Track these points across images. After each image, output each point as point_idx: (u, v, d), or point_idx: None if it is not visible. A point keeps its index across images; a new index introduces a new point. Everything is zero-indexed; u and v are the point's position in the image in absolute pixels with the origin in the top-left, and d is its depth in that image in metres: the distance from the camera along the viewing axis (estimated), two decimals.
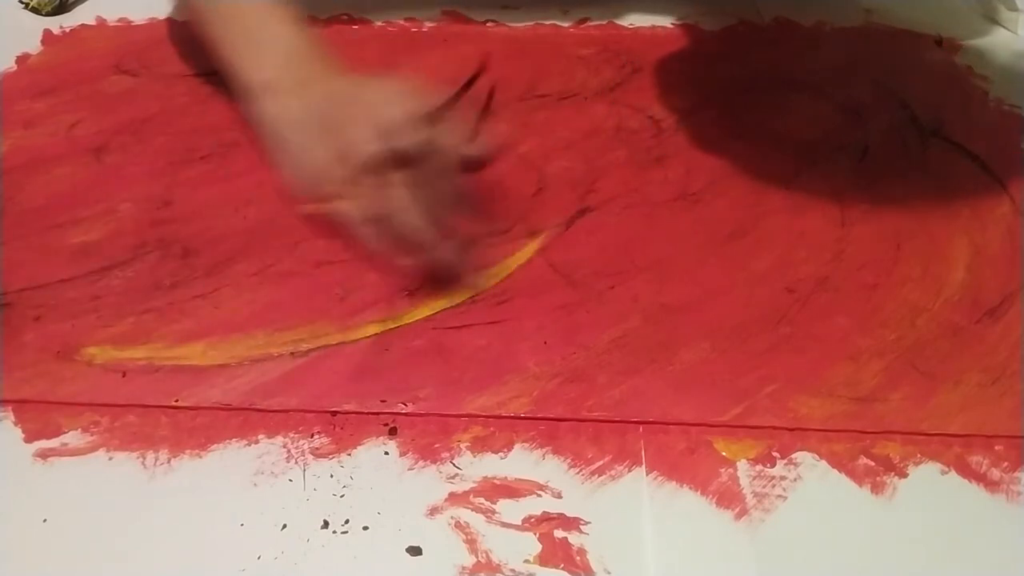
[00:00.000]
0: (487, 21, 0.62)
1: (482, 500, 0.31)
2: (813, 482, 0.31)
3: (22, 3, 0.62)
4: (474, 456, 0.32)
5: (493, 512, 0.30)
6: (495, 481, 0.31)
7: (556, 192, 0.45)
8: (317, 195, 0.40)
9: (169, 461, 0.32)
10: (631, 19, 0.62)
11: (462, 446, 0.32)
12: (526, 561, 0.29)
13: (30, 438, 0.33)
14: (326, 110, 0.40)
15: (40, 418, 0.33)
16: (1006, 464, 0.32)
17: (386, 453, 0.32)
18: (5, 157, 0.48)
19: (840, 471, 0.32)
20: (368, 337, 0.36)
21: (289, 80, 0.42)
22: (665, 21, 0.62)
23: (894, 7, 0.64)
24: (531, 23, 0.61)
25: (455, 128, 0.38)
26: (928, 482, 0.31)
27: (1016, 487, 0.31)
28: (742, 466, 0.32)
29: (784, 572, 0.29)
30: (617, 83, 0.55)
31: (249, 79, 0.43)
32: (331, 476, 0.31)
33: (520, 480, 0.31)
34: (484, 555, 0.29)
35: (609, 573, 0.28)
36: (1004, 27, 0.62)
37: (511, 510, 0.30)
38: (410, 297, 0.38)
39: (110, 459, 0.32)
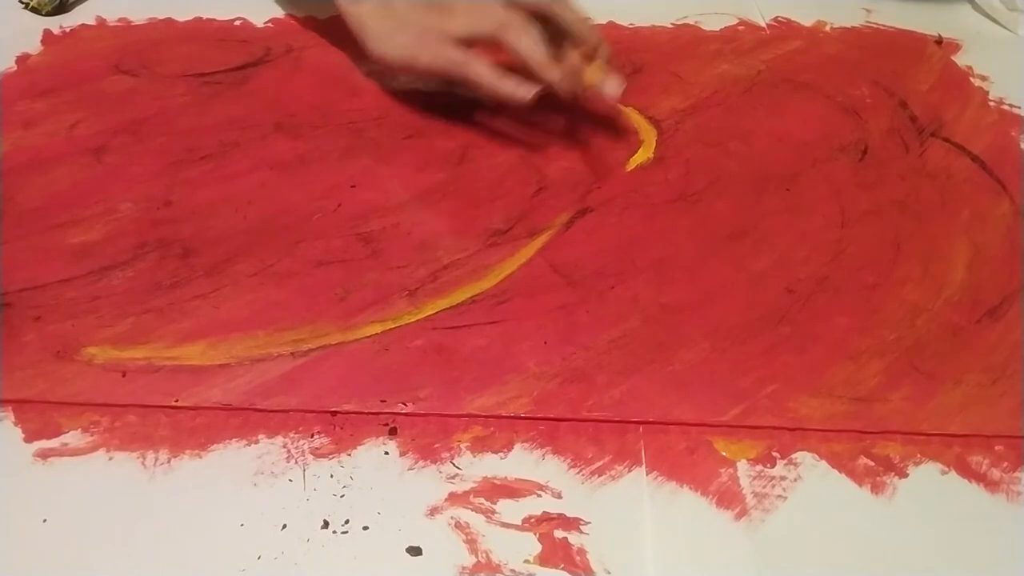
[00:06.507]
0: None
1: (482, 500, 0.31)
2: (813, 482, 0.31)
3: (22, 3, 0.62)
4: (474, 456, 0.32)
5: (493, 512, 0.30)
6: (495, 481, 0.31)
7: (556, 192, 0.45)
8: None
9: (169, 461, 0.32)
10: (631, 19, 0.62)
11: (462, 446, 0.32)
12: (526, 561, 0.29)
13: (30, 438, 0.33)
14: None
15: (40, 418, 0.33)
16: (1006, 464, 0.32)
17: (386, 453, 0.32)
18: (5, 157, 0.47)
19: (840, 471, 0.32)
20: (368, 337, 0.36)
21: None
22: (665, 21, 0.62)
23: (894, 7, 0.64)
24: None
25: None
26: (928, 482, 0.31)
27: (1016, 487, 0.31)
28: (742, 466, 0.32)
29: (784, 572, 0.29)
30: None
31: None
32: (331, 476, 0.31)
33: (520, 480, 0.31)
34: (484, 555, 0.29)
35: (609, 573, 0.28)
36: (1004, 27, 0.62)
37: (511, 510, 0.30)
38: (410, 297, 0.38)
39: (110, 459, 0.32)
